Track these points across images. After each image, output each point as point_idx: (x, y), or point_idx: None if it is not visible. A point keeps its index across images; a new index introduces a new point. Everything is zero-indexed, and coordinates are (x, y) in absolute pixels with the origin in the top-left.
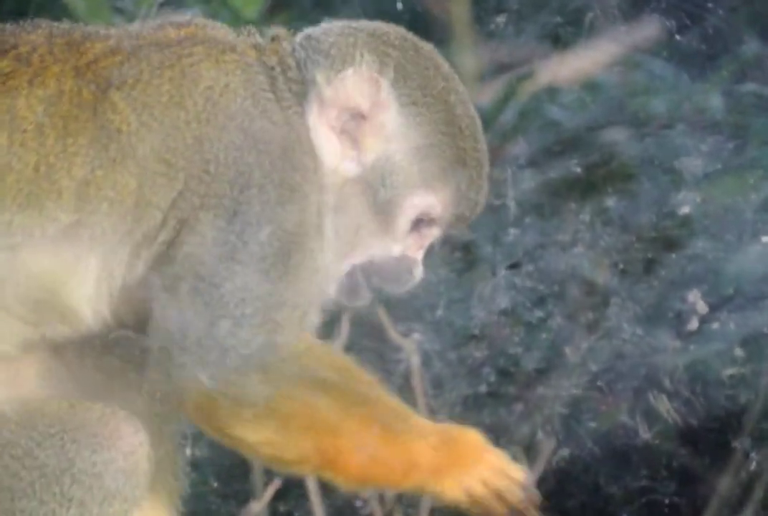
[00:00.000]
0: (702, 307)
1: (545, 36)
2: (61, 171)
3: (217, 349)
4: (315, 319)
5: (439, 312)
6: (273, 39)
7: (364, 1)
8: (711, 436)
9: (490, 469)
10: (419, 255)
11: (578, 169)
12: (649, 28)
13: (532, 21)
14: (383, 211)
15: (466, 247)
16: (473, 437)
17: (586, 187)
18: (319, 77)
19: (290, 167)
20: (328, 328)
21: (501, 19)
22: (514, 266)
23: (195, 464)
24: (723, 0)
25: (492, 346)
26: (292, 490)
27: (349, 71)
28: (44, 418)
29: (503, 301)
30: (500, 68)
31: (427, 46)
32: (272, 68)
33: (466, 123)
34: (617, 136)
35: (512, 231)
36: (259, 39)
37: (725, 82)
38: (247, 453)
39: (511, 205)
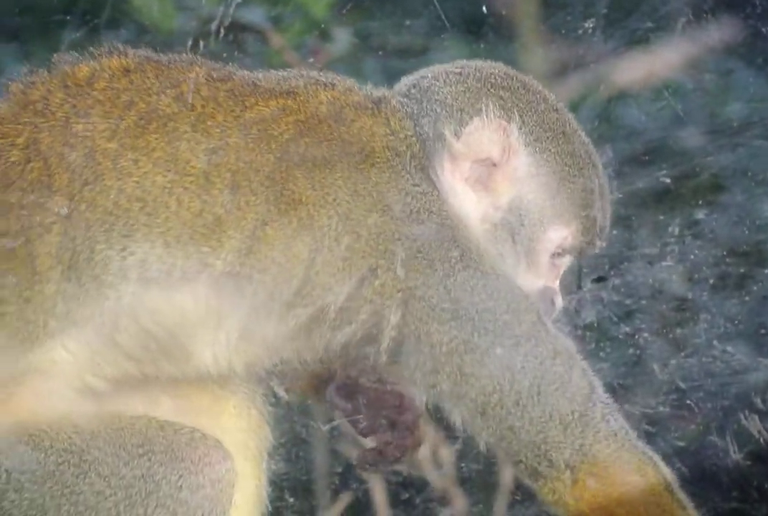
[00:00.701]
0: None
1: (619, 35)
2: (228, 222)
3: (557, 418)
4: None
5: None
6: (380, 101)
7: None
8: None
9: None
10: (556, 284)
11: (667, 180)
12: (737, 32)
13: (604, 19)
14: (525, 249)
15: None
16: None
17: (675, 198)
18: (447, 133)
19: (467, 242)
20: None
21: (570, 17)
22: (600, 280)
23: (271, 480)
24: None
25: None
26: (367, 506)
27: (476, 122)
28: (133, 437)
29: (589, 316)
30: (569, 68)
31: (529, 79)
32: (411, 155)
33: (585, 150)
34: (707, 145)
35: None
36: (387, 94)
37: None
38: None
39: None
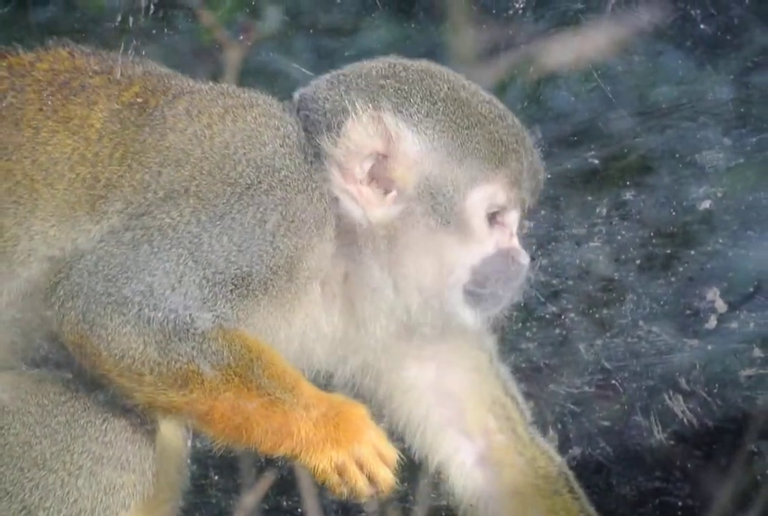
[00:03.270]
0: (721, 306)
1: (549, 16)
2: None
3: (119, 298)
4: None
5: None
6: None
7: None
8: (726, 438)
9: (367, 448)
10: (514, 242)
11: (595, 161)
12: (666, 14)
13: (538, 1)
14: (452, 223)
15: None
16: (357, 413)
17: (603, 179)
18: (324, 144)
19: (301, 206)
20: None
21: None
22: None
23: (196, 457)
24: None
25: (503, 341)
26: (292, 484)
27: (348, 124)
28: (54, 386)
29: (516, 295)
30: (500, 49)
31: (418, 62)
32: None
33: (487, 107)
34: (636, 127)
35: (526, 223)
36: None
37: (749, 73)
38: (119, 391)
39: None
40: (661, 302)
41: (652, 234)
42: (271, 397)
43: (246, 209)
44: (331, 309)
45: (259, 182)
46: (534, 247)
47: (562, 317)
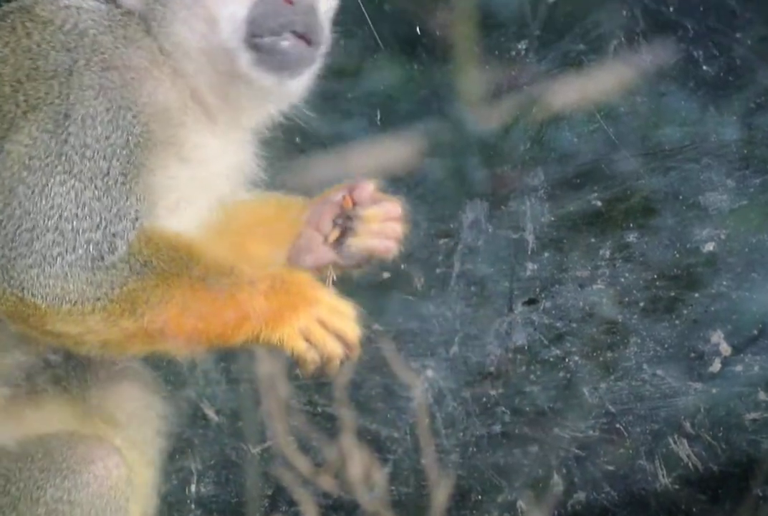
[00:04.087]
0: (725, 349)
1: (551, 57)
2: None
3: (37, 257)
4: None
5: (454, 348)
6: None
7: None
8: (732, 482)
9: (324, 307)
10: None
11: (598, 203)
12: (669, 55)
13: (537, 40)
14: None
15: (482, 282)
16: (303, 277)
17: (607, 221)
18: None
19: (125, 57)
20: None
21: (504, 38)
22: (531, 302)
23: (200, 502)
24: (749, 29)
25: (507, 385)
26: None
27: None
28: (10, 454)
29: (519, 338)
30: (503, 90)
31: None
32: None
33: None
34: (639, 168)
35: (530, 266)
36: None
37: (752, 114)
38: (71, 344)
39: (530, 238)
40: (666, 345)
41: (655, 276)
42: (215, 287)
43: (83, 93)
44: (200, 122)
45: (75, 61)
46: (538, 290)
47: (566, 360)
